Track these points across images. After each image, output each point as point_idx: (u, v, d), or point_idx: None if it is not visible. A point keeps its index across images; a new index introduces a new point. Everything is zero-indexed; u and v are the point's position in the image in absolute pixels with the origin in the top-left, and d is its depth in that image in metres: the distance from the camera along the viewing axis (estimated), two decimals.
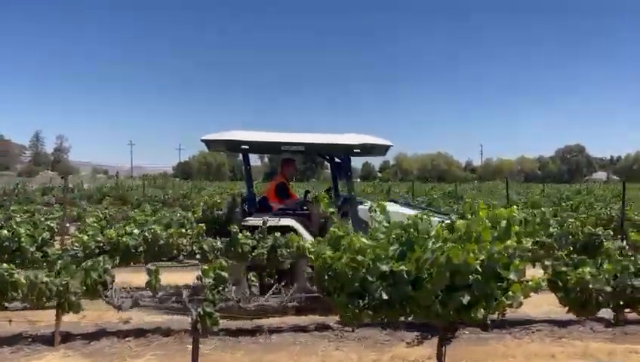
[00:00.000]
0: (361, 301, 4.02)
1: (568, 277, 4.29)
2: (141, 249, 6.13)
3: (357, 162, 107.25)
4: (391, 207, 7.97)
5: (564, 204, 15.21)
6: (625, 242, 7.47)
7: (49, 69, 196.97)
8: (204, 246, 6.23)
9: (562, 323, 7.10)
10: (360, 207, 8.15)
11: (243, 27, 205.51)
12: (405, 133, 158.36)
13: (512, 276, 4.23)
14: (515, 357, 5.97)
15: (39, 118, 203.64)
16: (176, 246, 6.32)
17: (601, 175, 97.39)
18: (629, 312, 4.46)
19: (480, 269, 4.02)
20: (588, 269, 4.31)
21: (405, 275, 3.85)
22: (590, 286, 4.24)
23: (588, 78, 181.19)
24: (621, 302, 4.38)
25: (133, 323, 6.78)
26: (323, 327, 6.86)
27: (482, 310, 4.09)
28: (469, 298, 4.00)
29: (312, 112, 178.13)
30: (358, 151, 8.01)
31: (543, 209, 7.31)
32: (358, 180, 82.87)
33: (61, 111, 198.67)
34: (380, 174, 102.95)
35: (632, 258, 4.42)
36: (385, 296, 3.90)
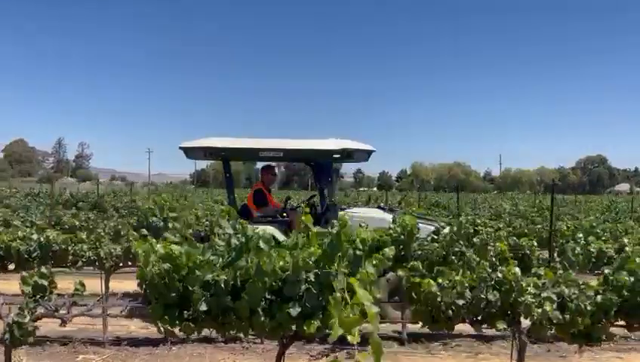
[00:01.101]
0: (185, 312, 3.82)
1: (422, 289, 4.02)
2: (35, 254, 6.01)
3: (374, 171, 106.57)
4: (375, 213, 8.46)
5: (533, 215, 14.74)
6: (556, 254, 7.12)
7: (73, 76, 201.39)
8: (101, 253, 6.07)
9: (487, 339, 6.81)
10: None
11: (269, 32, 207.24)
12: (422, 142, 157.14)
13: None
14: None
15: (63, 126, 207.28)
16: (73, 253, 6.17)
17: (624, 186, 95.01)
18: (485, 328, 4.15)
19: (313, 280, 3.81)
20: (440, 281, 4.03)
21: (223, 285, 3.62)
22: (438, 299, 3.95)
23: (611, 87, 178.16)
24: (479, 317, 4.07)
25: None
26: (232, 339, 6.63)
27: (317, 322, 3.84)
28: (299, 309, 3.76)
29: (327, 121, 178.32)
30: (339, 156, 7.85)
31: (461, 218, 6.97)
32: (375, 189, 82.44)
33: (84, 119, 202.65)
34: (397, 183, 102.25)
35: (491, 269, 4.11)
36: (204, 307, 3.68)
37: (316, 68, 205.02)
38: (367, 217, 7.45)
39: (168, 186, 72.70)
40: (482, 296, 4.00)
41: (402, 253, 6.62)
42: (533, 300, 4.05)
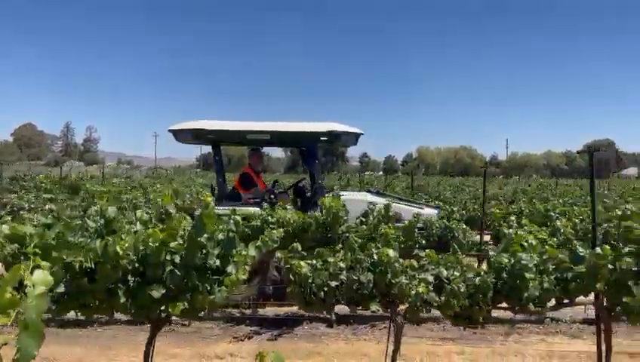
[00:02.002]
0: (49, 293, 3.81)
1: (295, 271, 3.99)
2: None
3: (380, 155, 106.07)
4: (361, 196, 8.68)
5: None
6: (490, 237, 7.06)
7: (82, 61, 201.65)
8: None
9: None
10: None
11: (267, 18, 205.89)
12: (428, 125, 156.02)
13: (230, 269, 4.00)
14: (321, 354, 5.68)
15: (72, 110, 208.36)
16: None
17: (632, 170, 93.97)
18: (361, 310, 4.12)
19: (178, 262, 3.81)
20: (313, 262, 4.00)
21: (77, 267, 3.61)
22: (310, 281, 3.92)
23: (618, 70, 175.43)
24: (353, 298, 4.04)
25: None
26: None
27: (184, 304, 3.84)
28: (163, 291, 3.75)
29: (337, 108, 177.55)
30: (326, 139, 7.89)
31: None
32: (381, 173, 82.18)
33: (94, 103, 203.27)
34: (402, 167, 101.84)
35: (370, 251, 4.07)
36: (62, 289, 3.67)
37: (320, 53, 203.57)
38: (349, 200, 7.56)
39: (177, 170, 73.04)
40: (355, 277, 3.96)
41: (329, 235, 6.62)
42: (408, 282, 4.01)
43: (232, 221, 4.02)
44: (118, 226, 3.83)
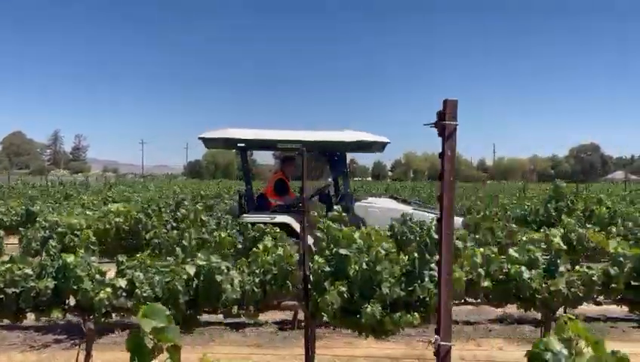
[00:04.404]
0: None
1: None
2: None
3: (368, 161, 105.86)
4: (389, 203, 8.72)
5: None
6: None
7: (70, 69, 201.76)
8: None
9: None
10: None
11: (252, 24, 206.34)
12: (415, 131, 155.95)
13: None
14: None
15: (61, 117, 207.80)
16: None
17: (620, 174, 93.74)
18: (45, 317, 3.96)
19: None
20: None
21: None
22: None
23: (603, 76, 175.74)
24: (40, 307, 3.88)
25: None
26: None
27: None
28: None
29: (317, 110, 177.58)
30: (355, 148, 8.19)
31: None
32: (369, 179, 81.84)
33: (83, 111, 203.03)
34: (390, 173, 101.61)
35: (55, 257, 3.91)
36: None
37: (303, 57, 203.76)
38: (385, 208, 7.99)
39: (167, 177, 73.12)
40: (33, 284, 3.80)
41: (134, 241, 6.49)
42: (93, 288, 3.86)
43: None
44: None
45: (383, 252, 3.93)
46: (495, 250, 4.40)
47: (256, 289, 3.96)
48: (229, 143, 8.16)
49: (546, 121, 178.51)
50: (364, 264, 3.90)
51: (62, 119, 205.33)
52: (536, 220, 9.51)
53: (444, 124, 2.67)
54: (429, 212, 8.21)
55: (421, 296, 3.93)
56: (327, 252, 4.12)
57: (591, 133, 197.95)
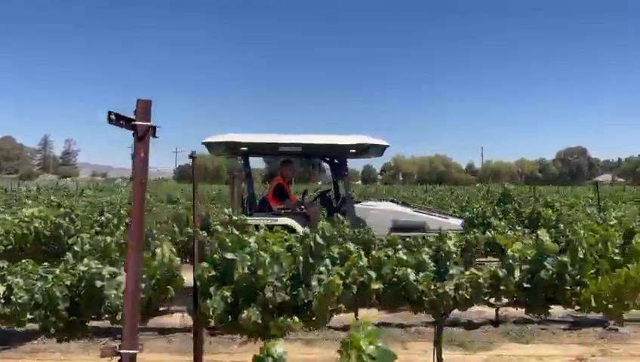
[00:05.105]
0: None
1: None
2: None
3: (357, 165, 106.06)
4: (387, 206, 8.75)
5: None
6: None
7: (60, 73, 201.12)
8: None
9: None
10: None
11: (243, 29, 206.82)
12: (404, 134, 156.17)
13: None
14: None
15: (52, 122, 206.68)
16: None
17: (606, 177, 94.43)
18: None
19: None
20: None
21: None
22: None
23: (590, 79, 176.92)
24: None
25: None
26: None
27: None
28: None
29: (310, 112, 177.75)
30: (355, 151, 8.14)
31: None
32: (359, 183, 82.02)
33: (76, 116, 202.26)
34: (380, 176, 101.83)
35: None
36: None
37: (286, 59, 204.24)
38: (377, 210, 8.12)
39: (160, 181, 72.94)
40: None
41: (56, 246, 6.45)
42: None
43: None
44: None
45: (267, 256, 3.91)
46: (390, 253, 4.39)
47: (142, 295, 3.93)
48: (231, 147, 8.19)
49: (534, 124, 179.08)
50: (246, 268, 3.89)
51: (54, 124, 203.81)
52: (483, 223, 9.54)
53: (137, 124, 2.65)
54: (430, 214, 8.41)
55: (305, 300, 3.92)
56: (215, 256, 4.11)
57: (578, 136, 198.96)
